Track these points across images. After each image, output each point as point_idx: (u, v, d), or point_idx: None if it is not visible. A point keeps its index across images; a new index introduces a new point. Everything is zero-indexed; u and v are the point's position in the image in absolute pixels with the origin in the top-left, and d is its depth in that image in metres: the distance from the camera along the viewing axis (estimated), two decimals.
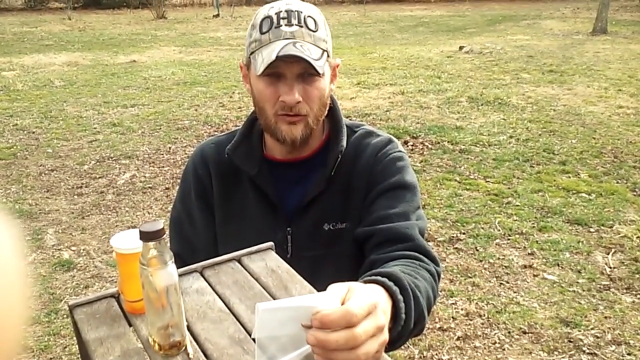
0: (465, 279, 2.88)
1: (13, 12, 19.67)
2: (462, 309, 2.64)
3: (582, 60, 8.50)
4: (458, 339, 2.44)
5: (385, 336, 0.68)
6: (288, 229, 1.15)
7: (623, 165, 4.31)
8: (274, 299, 0.86)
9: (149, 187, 4.19)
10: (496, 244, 3.22)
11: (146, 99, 6.85)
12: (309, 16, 1.05)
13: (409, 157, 1.21)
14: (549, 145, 4.77)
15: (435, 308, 2.62)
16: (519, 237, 3.27)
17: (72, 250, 3.30)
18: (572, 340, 2.39)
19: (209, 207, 1.20)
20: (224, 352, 0.75)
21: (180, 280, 0.76)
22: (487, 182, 4.08)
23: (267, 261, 0.96)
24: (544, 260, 3.03)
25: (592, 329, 2.46)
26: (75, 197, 4.06)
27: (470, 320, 2.56)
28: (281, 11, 1.04)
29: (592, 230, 3.34)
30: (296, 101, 1.03)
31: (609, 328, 2.45)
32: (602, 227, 3.35)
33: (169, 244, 1.22)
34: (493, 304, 2.67)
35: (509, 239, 3.27)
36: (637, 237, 3.22)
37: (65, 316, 2.66)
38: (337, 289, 0.69)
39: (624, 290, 2.74)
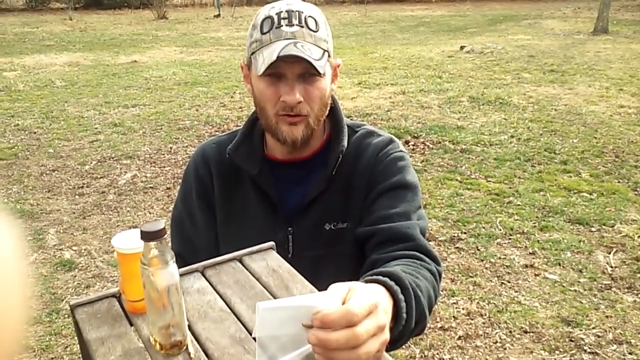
0: (466, 279, 2.88)
1: (14, 13, 19.68)
2: (463, 309, 2.64)
3: (583, 60, 8.49)
4: (459, 338, 2.44)
5: (386, 336, 0.68)
6: (289, 228, 1.15)
7: (624, 164, 4.31)
8: (275, 298, 0.86)
9: (150, 187, 4.20)
10: (497, 244, 3.22)
11: (147, 99, 6.86)
12: (309, 16, 1.05)
13: (410, 156, 1.21)
14: (550, 145, 4.77)
15: (437, 307, 2.62)
16: (520, 237, 3.27)
17: (73, 250, 3.30)
18: (573, 339, 2.39)
19: (210, 207, 1.20)
20: (225, 352, 0.75)
21: (181, 280, 0.77)
22: (488, 181, 4.08)
23: (268, 261, 0.96)
24: (545, 259, 3.03)
25: (593, 328, 2.45)
26: (77, 197, 4.06)
27: (472, 319, 2.56)
28: (282, 11, 1.04)
29: (593, 229, 3.34)
30: (297, 101, 1.03)
31: (610, 327, 2.45)
32: (604, 227, 3.35)
33: (170, 244, 1.22)
34: (494, 304, 2.66)
35: (510, 239, 3.26)
36: (639, 237, 3.21)
37: (66, 316, 2.66)
38: (338, 289, 0.69)
39: (625, 290, 2.73)
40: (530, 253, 3.10)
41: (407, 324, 0.80)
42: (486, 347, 2.37)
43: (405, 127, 5.29)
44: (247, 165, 1.15)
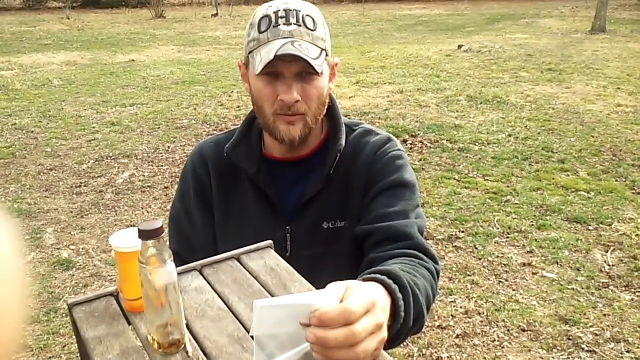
0: (464, 277, 2.88)
1: (12, 12, 19.64)
2: (461, 307, 2.64)
3: (581, 59, 8.51)
4: (457, 337, 2.44)
5: (384, 334, 0.68)
6: (287, 227, 1.15)
7: (622, 163, 4.32)
8: (273, 297, 0.86)
9: (148, 186, 4.19)
10: (495, 242, 3.22)
11: (145, 98, 6.85)
12: (307, 15, 1.05)
13: (408, 155, 1.21)
14: (548, 144, 4.77)
15: (435, 306, 2.62)
16: (518, 236, 3.28)
17: (71, 250, 3.30)
18: (571, 338, 2.39)
19: (208, 206, 1.20)
20: (223, 350, 0.75)
21: (179, 279, 0.77)
22: (486, 180, 4.08)
23: (266, 260, 0.96)
24: (543, 258, 3.03)
25: (591, 326, 2.46)
26: (74, 196, 4.06)
27: (470, 318, 2.56)
28: (280, 10, 1.04)
29: (591, 228, 3.34)
30: (295, 100, 1.03)
31: (608, 326, 2.46)
32: (601, 225, 3.36)
33: (168, 243, 1.22)
34: (492, 302, 2.67)
35: (508, 237, 3.27)
36: (636, 235, 3.22)
37: (64, 315, 2.66)
38: (336, 287, 0.69)
39: (623, 288, 2.74)
40: (528, 252, 3.11)
41: (405, 323, 0.80)
42: (484, 346, 2.38)
43: (403, 126, 5.30)
44: (245, 164, 1.15)
